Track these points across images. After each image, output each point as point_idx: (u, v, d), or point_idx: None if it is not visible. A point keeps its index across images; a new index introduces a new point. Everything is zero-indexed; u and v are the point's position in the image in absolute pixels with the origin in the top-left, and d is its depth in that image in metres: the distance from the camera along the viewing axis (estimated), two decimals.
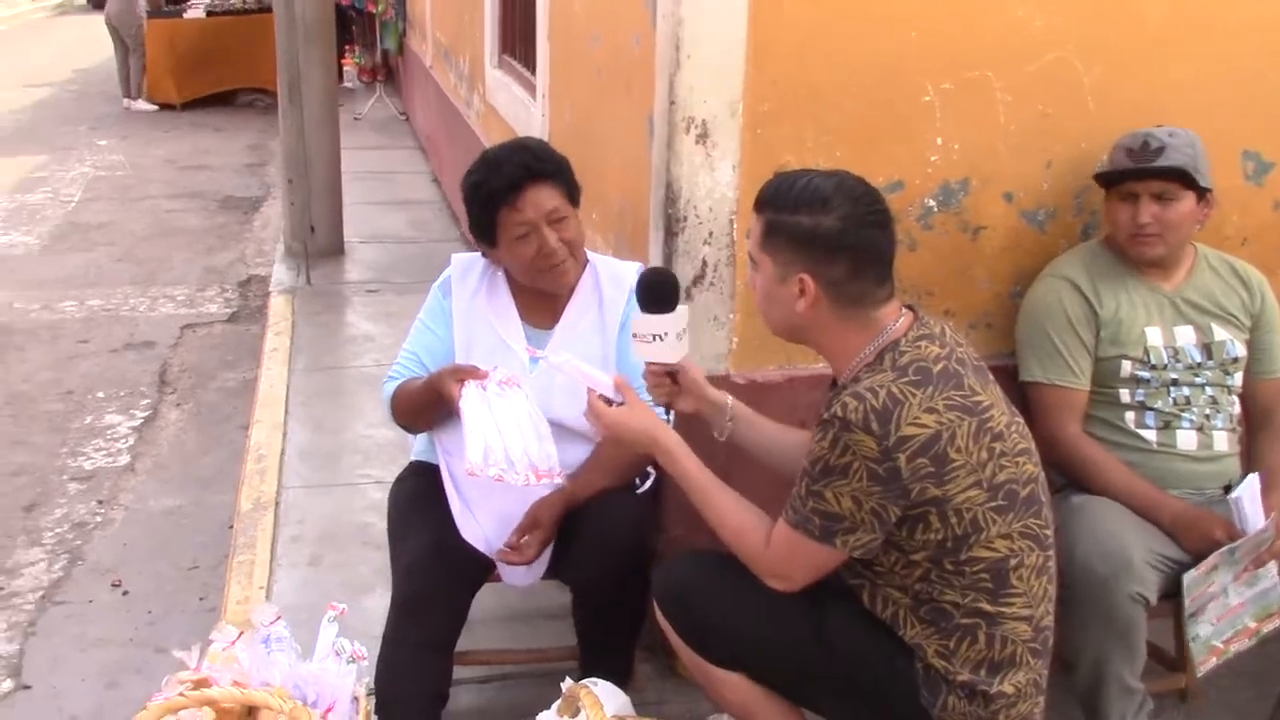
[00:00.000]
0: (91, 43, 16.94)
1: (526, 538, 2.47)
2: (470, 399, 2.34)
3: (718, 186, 2.73)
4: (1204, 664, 2.58)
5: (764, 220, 2.09)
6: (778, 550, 2.08)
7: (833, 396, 2.06)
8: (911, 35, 2.72)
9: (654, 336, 2.23)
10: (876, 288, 2.07)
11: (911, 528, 2.00)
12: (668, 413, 2.35)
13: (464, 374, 2.39)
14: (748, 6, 2.62)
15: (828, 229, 2.02)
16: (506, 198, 2.50)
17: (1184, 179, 2.64)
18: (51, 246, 7.84)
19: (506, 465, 2.31)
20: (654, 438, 2.21)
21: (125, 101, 13.29)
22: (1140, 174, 2.66)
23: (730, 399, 2.38)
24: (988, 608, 2.03)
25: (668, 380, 2.31)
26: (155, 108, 13.04)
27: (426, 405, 2.49)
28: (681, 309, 2.24)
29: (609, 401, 2.24)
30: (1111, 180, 2.73)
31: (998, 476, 1.99)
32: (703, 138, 2.69)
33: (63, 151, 10.84)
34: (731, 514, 2.16)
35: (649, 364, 2.29)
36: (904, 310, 2.11)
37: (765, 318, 2.18)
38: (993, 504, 1.99)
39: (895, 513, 1.97)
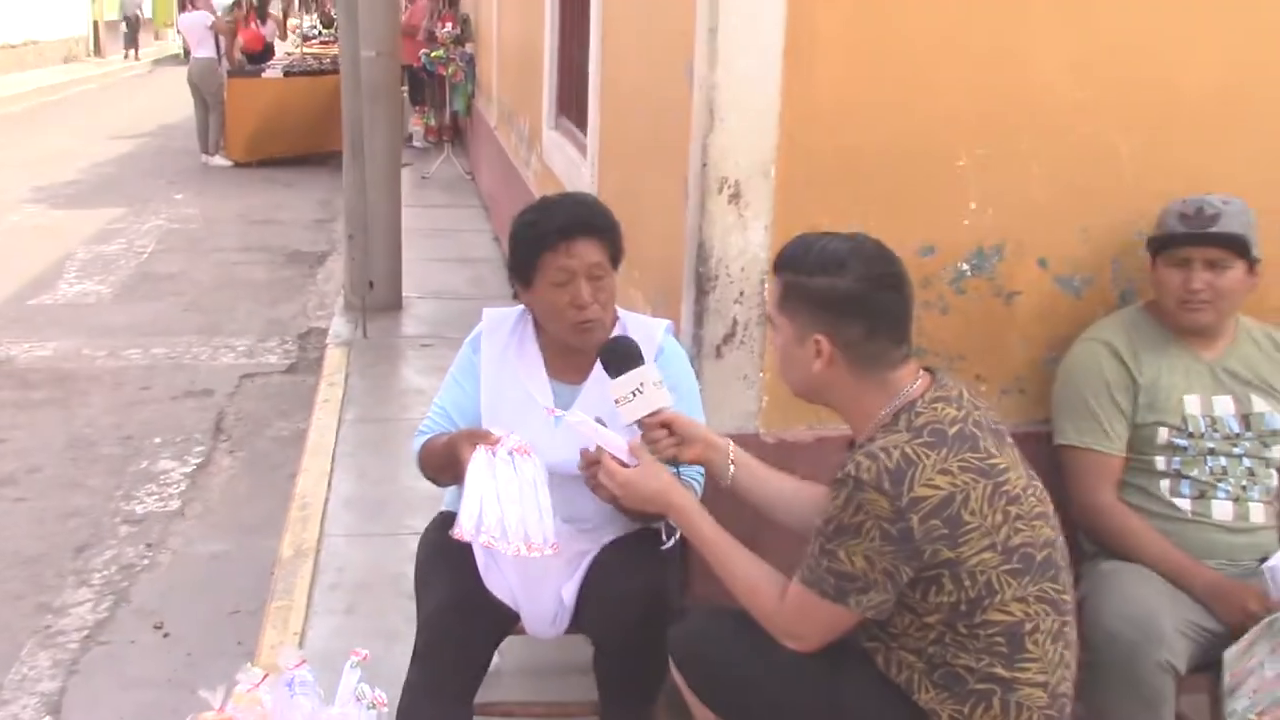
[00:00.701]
0: (178, 99, 17.51)
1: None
2: (476, 464, 2.36)
3: (749, 247, 2.75)
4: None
5: (782, 282, 2.13)
6: (791, 609, 2.08)
7: (848, 456, 2.07)
8: (947, 102, 2.75)
9: (633, 393, 2.30)
10: (893, 349, 2.08)
11: (925, 590, 1.98)
12: (677, 470, 2.37)
13: (479, 438, 2.41)
14: (781, 72, 2.66)
15: (843, 291, 2.04)
16: (554, 241, 2.53)
17: (1238, 247, 2.63)
18: (122, 295, 8.06)
19: (499, 534, 2.31)
20: (668, 498, 2.24)
21: (203, 157, 13.70)
22: (1197, 240, 2.65)
23: (731, 444, 2.39)
24: (1002, 673, 2.00)
25: (665, 433, 2.34)
26: (230, 163, 13.41)
27: (447, 464, 2.52)
28: (649, 364, 2.34)
29: (623, 464, 2.27)
30: (1163, 245, 2.71)
31: (1013, 540, 1.98)
32: (735, 198, 2.72)
33: (140, 204, 11.18)
34: (745, 573, 2.16)
35: (642, 421, 2.33)
36: (922, 372, 2.11)
37: (785, 378, 2.20)
38: (1007, 567, 1.98)
39: (908, 573, 1.96)
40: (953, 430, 2.00)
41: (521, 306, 2.71)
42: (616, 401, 2.32)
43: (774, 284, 2.15)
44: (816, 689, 2.13)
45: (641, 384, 2.28)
